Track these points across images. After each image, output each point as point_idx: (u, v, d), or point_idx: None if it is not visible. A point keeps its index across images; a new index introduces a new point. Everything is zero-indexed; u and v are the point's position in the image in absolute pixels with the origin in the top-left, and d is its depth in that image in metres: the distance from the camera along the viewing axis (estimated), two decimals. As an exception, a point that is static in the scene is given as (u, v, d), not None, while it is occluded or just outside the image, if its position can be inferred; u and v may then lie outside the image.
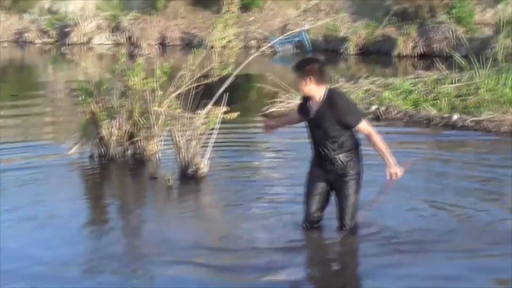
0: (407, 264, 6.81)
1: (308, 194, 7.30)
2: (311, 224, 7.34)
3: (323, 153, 7.02)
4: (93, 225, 8.33)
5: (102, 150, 10.98)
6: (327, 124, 6.86)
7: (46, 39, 34.53)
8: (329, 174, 7.11)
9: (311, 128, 7.09)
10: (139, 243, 7.70)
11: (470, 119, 13.34)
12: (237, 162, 11.02)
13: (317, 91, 6.88)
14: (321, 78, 6.91)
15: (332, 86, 7.14)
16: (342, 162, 6.98)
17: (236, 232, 7.72)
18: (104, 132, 10.86)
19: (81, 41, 33.34)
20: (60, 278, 6.62)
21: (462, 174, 10.19)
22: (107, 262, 6.99)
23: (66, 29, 33.79)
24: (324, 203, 7.29)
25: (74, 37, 33.32)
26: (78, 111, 11.38)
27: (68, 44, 32.41)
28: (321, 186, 7.20)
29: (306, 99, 7.10)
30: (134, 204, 9.36)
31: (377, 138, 6.88)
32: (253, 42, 31.04)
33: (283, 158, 11.18)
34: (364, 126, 6.89)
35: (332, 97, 6.89)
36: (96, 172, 10.70)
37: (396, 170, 6.85)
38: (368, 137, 6.90)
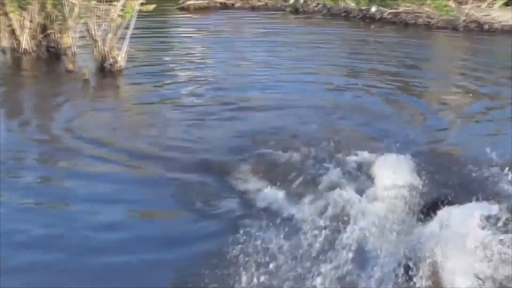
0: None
1: None
2: None
3: None
4: (5, 116, 8.06)
5: (14, 43, 10.64)
6: None
7: None
8: None
9: None
10: (52, 131, 7.39)
11: (388, 11, 13.37)
12: (155, 55, 10.84)
13: None
14: None
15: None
16: None
17: (149, 128, 7.43)
18: (15, 24, 10.52)
19: None
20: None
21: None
22: (21, 149, 6.83)
23: None
24: None
25: None
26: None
27: None
28: None
29: None
30: (48, 96, 9.11)
31: None
32: None
33: (200, 46, 11.06)
34: None
35: None
36: (7, 65, 10.37)
37: None
38: None
